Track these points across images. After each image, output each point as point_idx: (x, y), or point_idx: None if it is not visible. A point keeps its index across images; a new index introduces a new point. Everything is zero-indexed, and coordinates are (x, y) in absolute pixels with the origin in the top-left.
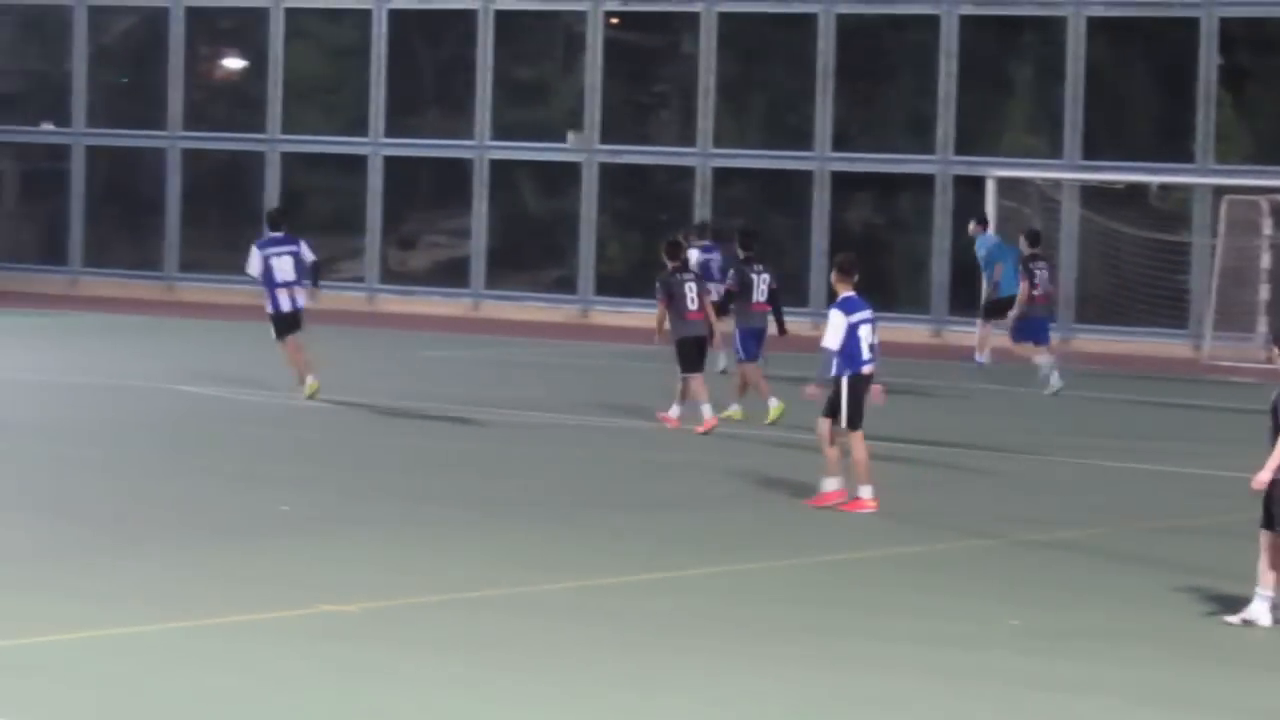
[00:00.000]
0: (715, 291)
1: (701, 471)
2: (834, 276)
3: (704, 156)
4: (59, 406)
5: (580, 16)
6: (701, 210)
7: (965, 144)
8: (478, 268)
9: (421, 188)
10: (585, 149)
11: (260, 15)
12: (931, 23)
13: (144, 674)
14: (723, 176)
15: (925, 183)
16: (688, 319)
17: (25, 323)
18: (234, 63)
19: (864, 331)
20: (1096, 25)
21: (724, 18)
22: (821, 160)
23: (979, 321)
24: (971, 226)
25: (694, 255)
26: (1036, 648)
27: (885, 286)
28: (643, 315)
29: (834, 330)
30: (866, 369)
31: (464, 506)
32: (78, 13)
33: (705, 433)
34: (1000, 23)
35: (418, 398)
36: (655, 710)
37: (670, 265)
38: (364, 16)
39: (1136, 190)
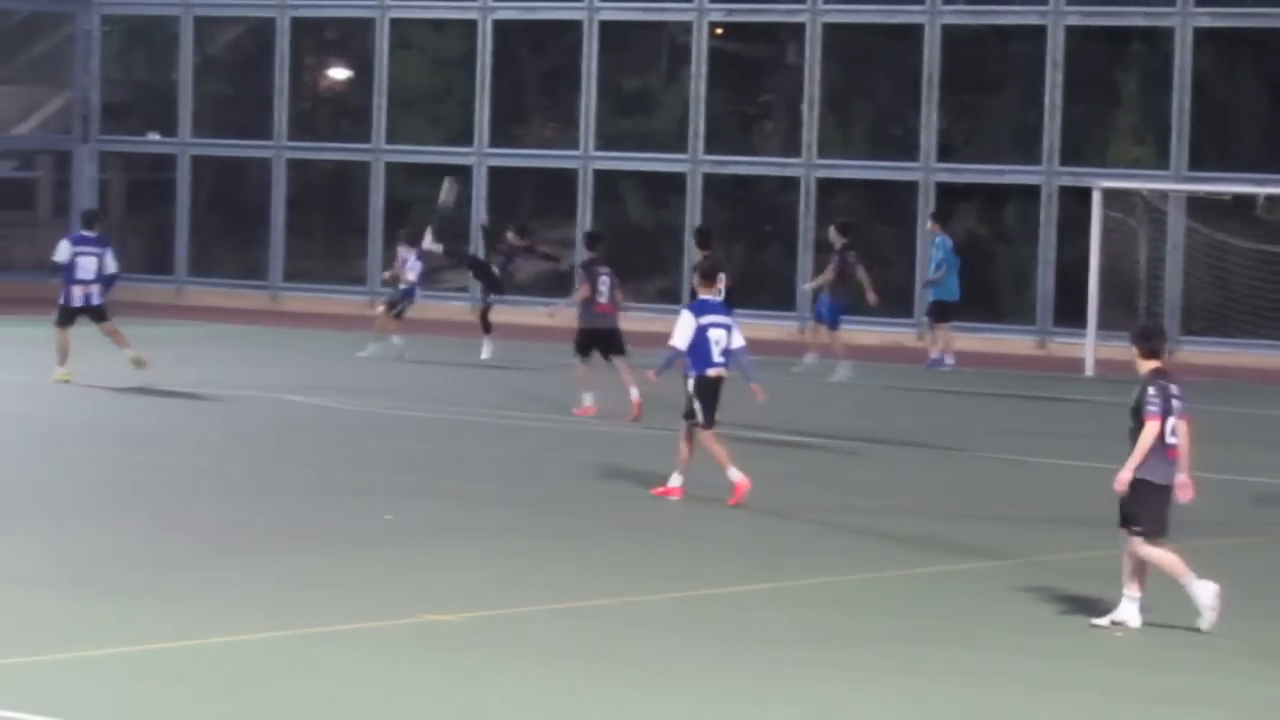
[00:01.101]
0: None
1: (815, 483)
2: (695, 279)
3: (808, 167)
4: (167, 416)
5: (685, 27)
6: (806, 221)
7: (1071, 155)
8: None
9: (526, 198)
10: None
11: (366, 25)
12: (1038, 33)
13: (248, 683)
14: (827, 187)
15: (1030, 194)
16: (596, 310)
17: (131, 333)
18: (339, 72)
19: (715, 334)
20: (1203, 35)
21: (829, 28)
22: (926, 171)
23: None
24: (930, 224)
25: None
26: (1136, 659)
27: (989, 298)
28: (749, 325)
29: (681, 329)
30: (713, 371)
31: (569, 515)
32: (184, 23)
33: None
34: (1107, 33)
35: (523, 407)
36: None
37: (590, 255)
38: (469, 27)
39: (1243, 201)
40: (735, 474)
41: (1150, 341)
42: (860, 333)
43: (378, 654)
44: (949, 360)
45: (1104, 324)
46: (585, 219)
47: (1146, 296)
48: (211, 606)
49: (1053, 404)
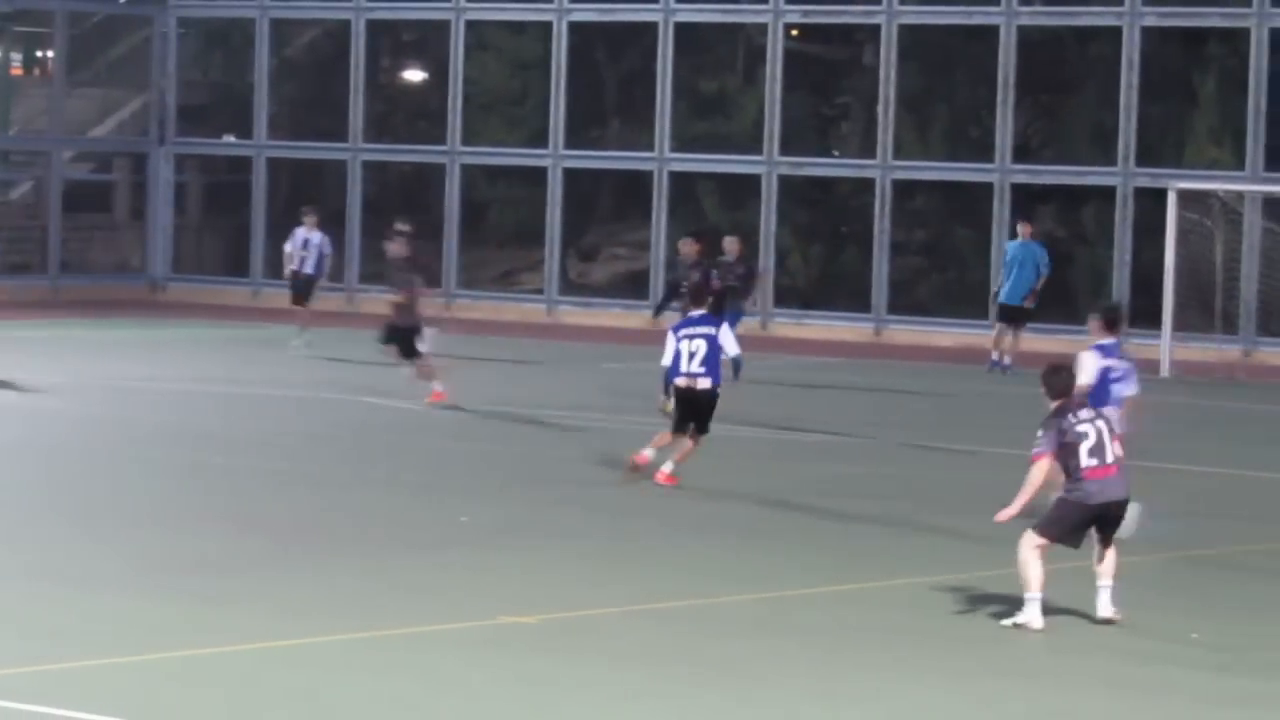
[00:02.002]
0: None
1: (891, 485)
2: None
3: (884, 169)
4: (246, 417)
5: (761, 28)
6: (882, 223)
7: (1147, 156)
8: (658, 280)
9: (602, 200)
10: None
11: (442, 28)
12: (1114, 34)
13: (324, 684)
14: (903, 188)
15: (1107, 194)
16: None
17: (211, 334)
18: (415, 74)
19: (684, 345)
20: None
21: (905, 29)
22: (1002, 172)
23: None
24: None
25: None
26: (1220, 662)
27: (1066, 299)
28: (823, 328)
29: (667, 350)
30: (682, 380)
31: (646, 518)
32: (260, 26)
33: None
34: (1183, 34)
35: (599, 410)
36: None
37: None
38: (545, 29)
39: None
40: (650, 452)
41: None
42: (935, 334)
43: (455, 656)
44: (1006, 361)
45: (1180, 325)
46: (661, 221)
47: (1223, 298)
48: (285, 609)
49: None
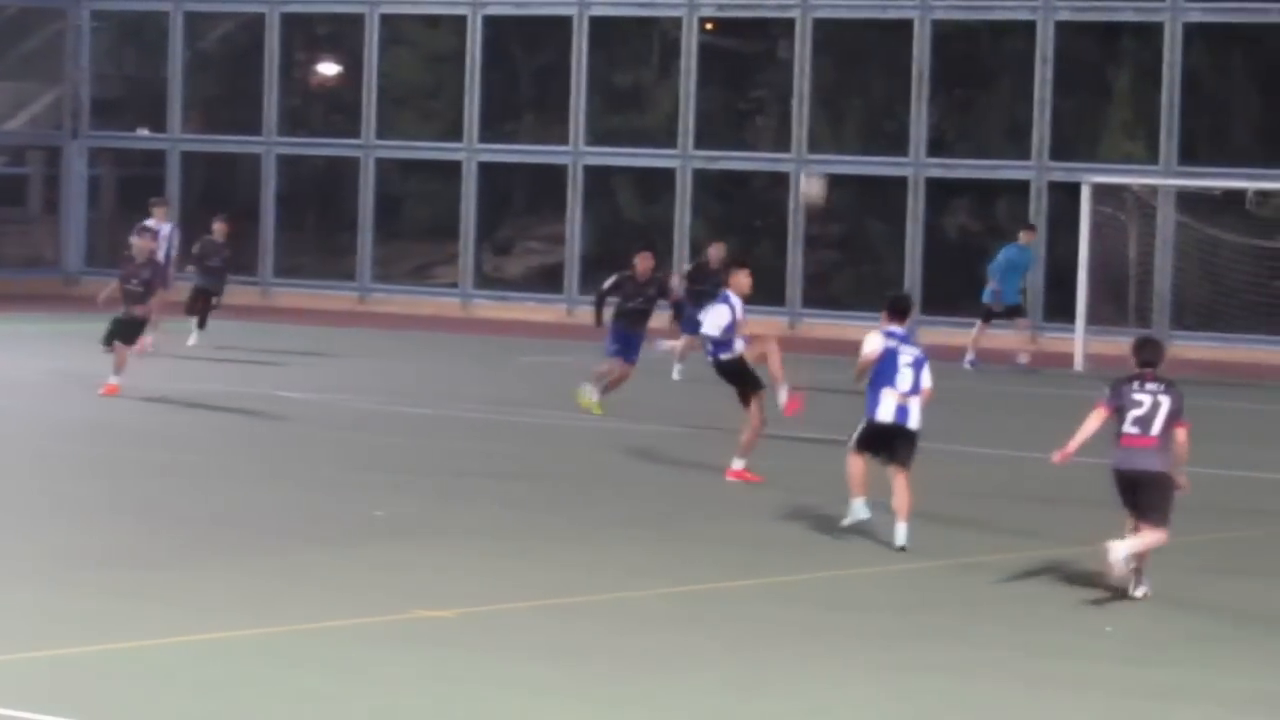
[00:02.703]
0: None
1: (806, 479)
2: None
3: (799, 162)
4: (156, 412)
5: (676, 22)
6: (796, 217)
7: (1061, 150)
8: (573, 273)
9: (516, 193)
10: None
11: (356, 21)
12: (1028, 28)
13: (238, 679)
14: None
15: (1021, 189)
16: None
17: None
18: (330, 68)
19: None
20: (1194, 30)
21: (819, 23)
22: (917, 166)
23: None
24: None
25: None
26: (1134, 655)
27: (980, 292)
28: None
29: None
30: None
31: (560, 513)
32: (175, 19)
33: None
34: (1097, 28)
35: (513, 404)
36: (751, 716)
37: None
38: (460, 22)
39: (1233, 196)
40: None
41: (1143, 351)
42: (850, 327)
43: (370, 650)
44: (970, 358)
45: (1094, 319)
46: (576, 215)
47: (1137, 292)
48: (198, 603)
49: (1044, 399)
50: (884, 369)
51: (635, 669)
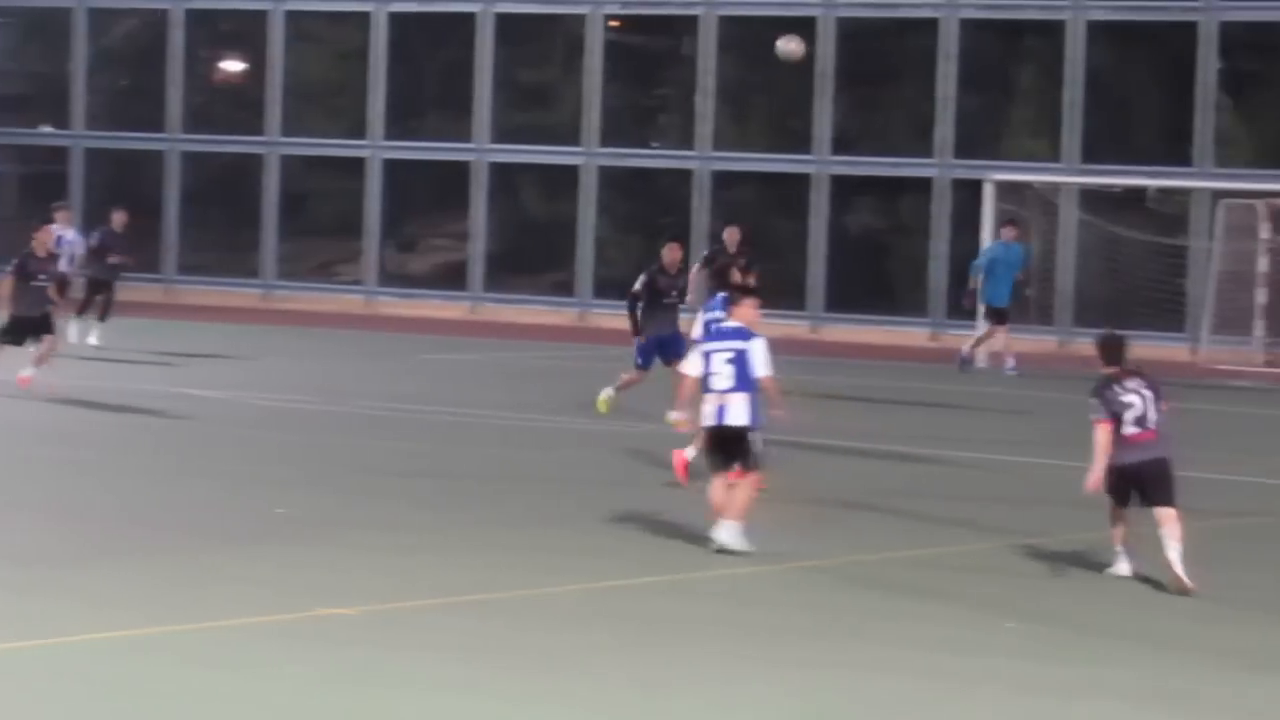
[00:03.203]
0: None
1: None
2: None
3: (704, 160)
4: (59, 409)
5: (580, 20)
6: (700, 214)
7: (965, 147)
8: (477, 270)
9: (421, 191)
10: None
11: (261, 18)
12: (931, 26)
13: (140, 677)
14: (722, 180)
15: (924, 186)
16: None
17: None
18: (234, 65)
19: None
20: (1097, 29)
21: (724, 21)
22: (821, 164)
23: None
24: (1010, 231)
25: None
26: (1034, 651)
27: (884, 289)
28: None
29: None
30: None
31: (464, 510)
32: (78, 15)
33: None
34: (1001, 26)
35: (417, 401)
36: (658, 713)
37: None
38: (364, 19)
39: (1135, 194)
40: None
41: (1103, 351)
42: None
43: (272, 648)
44: (980, 362)
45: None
46: (480, 212)
47: (1039, 288)
48: (99, 601)
49: (943, 397)
50: (705, 374)
51: (540, 666)
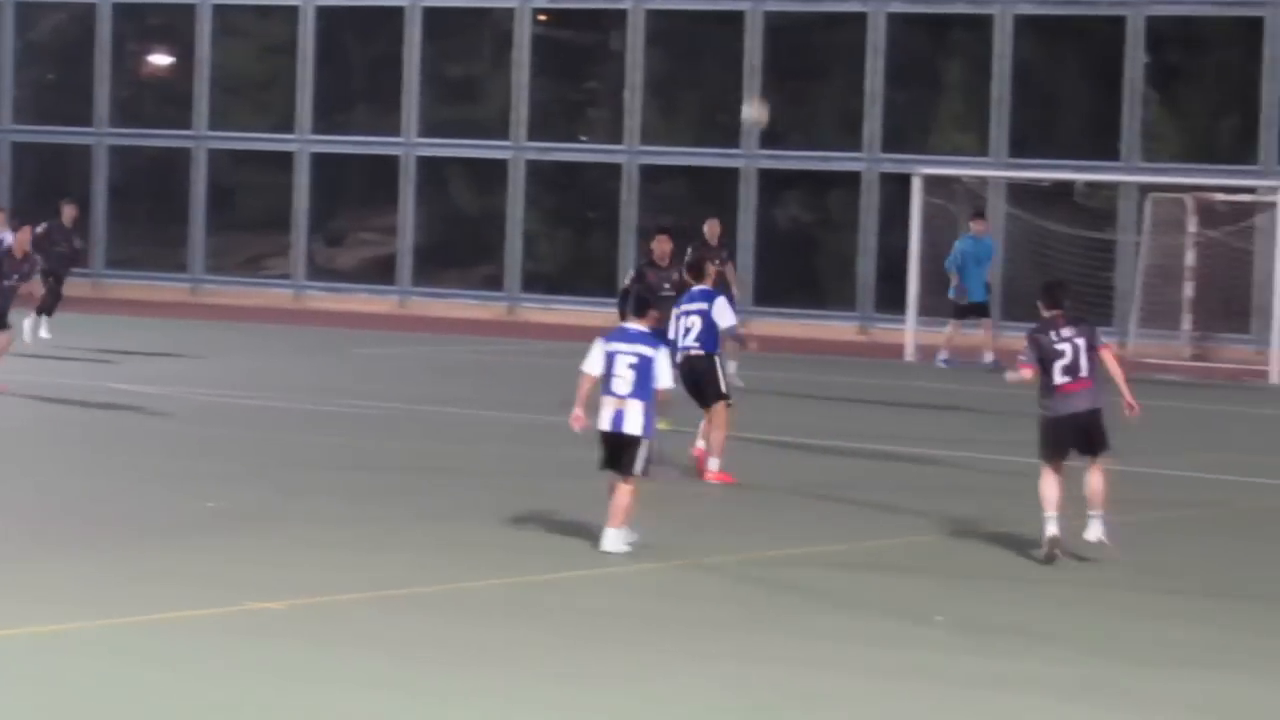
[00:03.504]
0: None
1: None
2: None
3: (631, 154)
4: None
5: (508, 13)
6: (629, 208)
7: (893, 142)
8: (405, 265)
9: (350, 185)
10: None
11: (188, 11)
12: (859, 20)
13: (69, 671)
14: (651, 174)
15: (853, 180)
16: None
17: None
18: (162, 59)
19: (686, 321)
20: (1024, 23)
21: (652, 15)
22: (750, 158)
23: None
24: (980, 225)
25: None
26: (964, 644)
27: (813, 284)
28: (571, 312)
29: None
30: (677, 354)
31: (392, 504)
32: (5, 9)
33: None
34: (928, 20)
35: (346, 395)
36: (586, 707)
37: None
38: (292, 13)
39: (1063, 188)
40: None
41: (1047, 293)
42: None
43: (202, 642)
44: (943, 357)
45: (925, 310)
46: (409, 206)
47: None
48: (29, 595)
49: (872, 389)
50: (605, 374)
51: (468, 661)
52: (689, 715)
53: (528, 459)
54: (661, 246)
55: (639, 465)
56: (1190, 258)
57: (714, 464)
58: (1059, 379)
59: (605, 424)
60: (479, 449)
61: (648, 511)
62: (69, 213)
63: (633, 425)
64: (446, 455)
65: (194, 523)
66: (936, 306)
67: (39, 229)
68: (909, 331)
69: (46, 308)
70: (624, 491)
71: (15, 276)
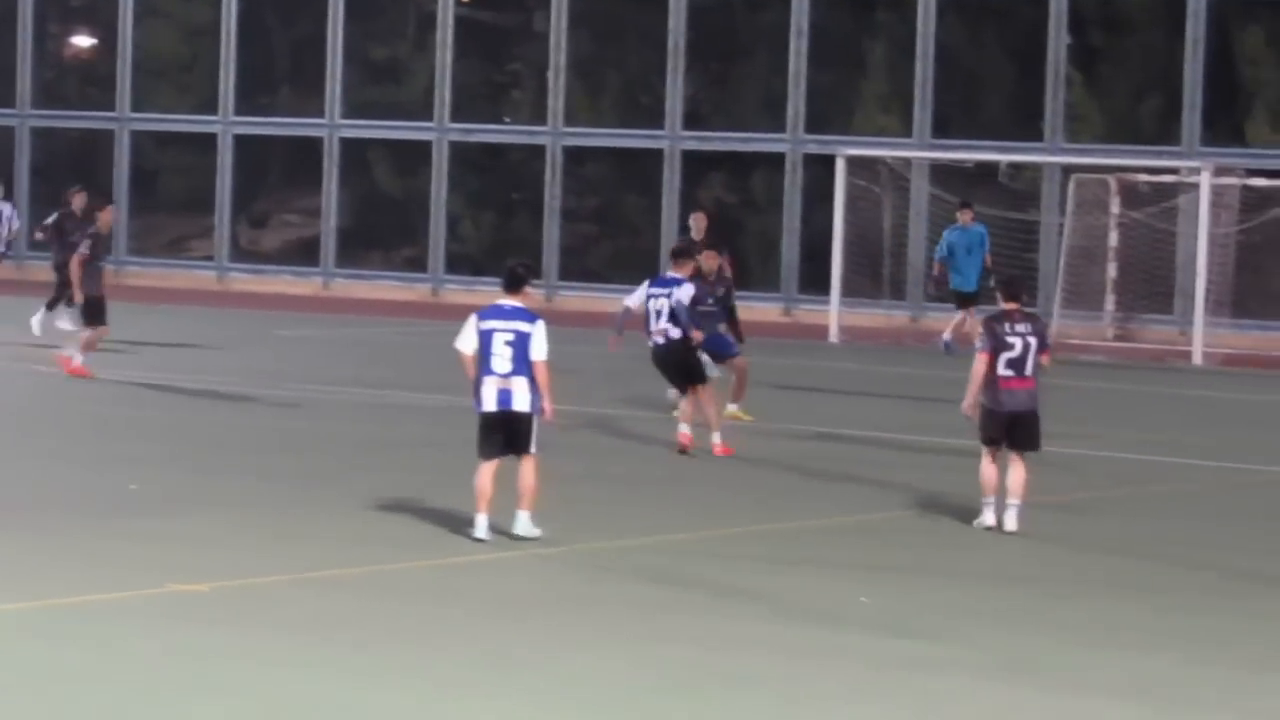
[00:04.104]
0: None
1: (553, 452)
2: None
3: (555, 135)
4: None
5: None
6: (553, 189)
7: (817, 123)
8: (329, 247)
9: (273, 166)
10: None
11: None
12: (783, 1)
13: None
14: (575, 155)
15: (777, 161)
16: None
17: None
18: (85, 40)
19: (651, 304)
20: (947, 4)
21: None
22: (673, 139)
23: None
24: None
25: None
26: (888, 625)
27: (737, 265)
28: (495, 294)
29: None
30: (652, 337)
31: (317, 486)
32: None
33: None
34: (852, 1)
35: (269, 377)
36: (505, 687)
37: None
38: None
39: (987, 169)
40: (715, 436)
41: (1006, 286)
42: (606, 300)
43: (124, 625)
44: (945, 338)
45: (849, 291)
46: (332, 188)
47: (891, 264)
48: None
49: (795, 371)
50: (482, 354)
51: (392, 642)
52: (608, 696)
53: (449, 441)
54: (709, 263)
55: (535, 442)
56: (1113, 239)
57: (717, 438)
58: (1003, 370)
59: (491, 404)
60: (401, 431)
61: (568, 494)
62: (79, 200)
63: (521, 402)
64: (368, 438)
65: (116, 505)
66: (859, 287)
67: (49, 220)
68: (833, 313)
69: (56, 300)
70: (528, 471)
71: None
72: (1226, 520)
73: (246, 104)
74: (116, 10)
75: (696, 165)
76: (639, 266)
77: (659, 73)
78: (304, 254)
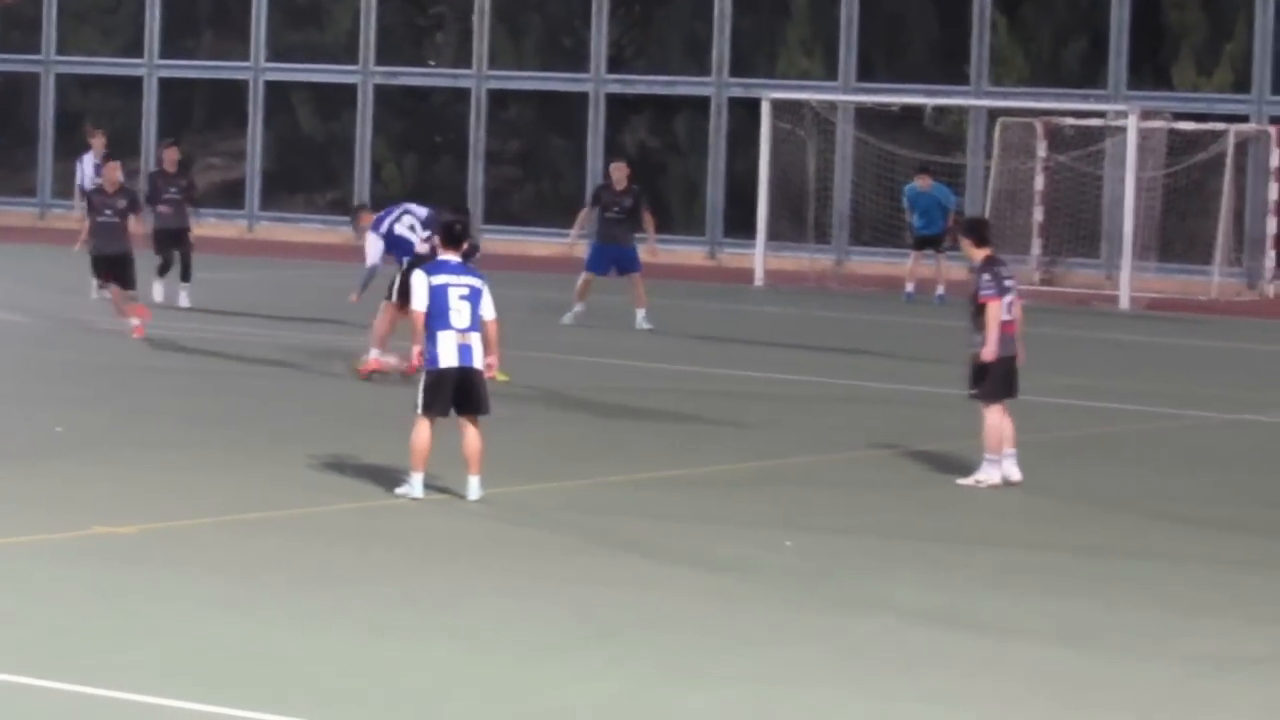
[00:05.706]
0: None
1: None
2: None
3: (479, 78)
4: None
5: None
6: (478, 133)
7: (741, 66)
8: (253, 190)
9: (197, 109)
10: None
11: None
12: None
13: None
14: (499, 98)
15: (701, 105)
16: None
17: None
18: None
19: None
20: None
21: None
22: (597, 82)
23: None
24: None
25: None
26: (812, 569)
27: (661, 209)
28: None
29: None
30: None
31: (242, 429)
32: None
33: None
34: None
35: (193, 320)
36: (432, 628)
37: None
38: None
39: (911, 113)
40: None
41: (978, 231)
42: (530, 244)
43: (48, 567)
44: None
45: (774, 235)
46: (256, 131)
47: (816, 208)
48: None
49: (723, 316)
50: (436, 309)
51: (317, 584)
52: (533, 637)
53: (375, 386)
54: (619, 173)
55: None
56: (1039, 182)
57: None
58: (1005, 315)
59: (452, 359)
60: (326, 375)
61: (490, 438)
62: (170, 155)
63: (478, 359)
64: (294, 380)
65: (41, 447)
66: (784, 231)
67: (145, 183)
68: (758, 256)
69: (166, 266)
70: (475, 433)
71: (109, 211)
72: (1149, 465)
73: (171, 47)
74: None
75: (620, 109)
76: (563, 209)
77: (583, 16)
78: (228, 197)
